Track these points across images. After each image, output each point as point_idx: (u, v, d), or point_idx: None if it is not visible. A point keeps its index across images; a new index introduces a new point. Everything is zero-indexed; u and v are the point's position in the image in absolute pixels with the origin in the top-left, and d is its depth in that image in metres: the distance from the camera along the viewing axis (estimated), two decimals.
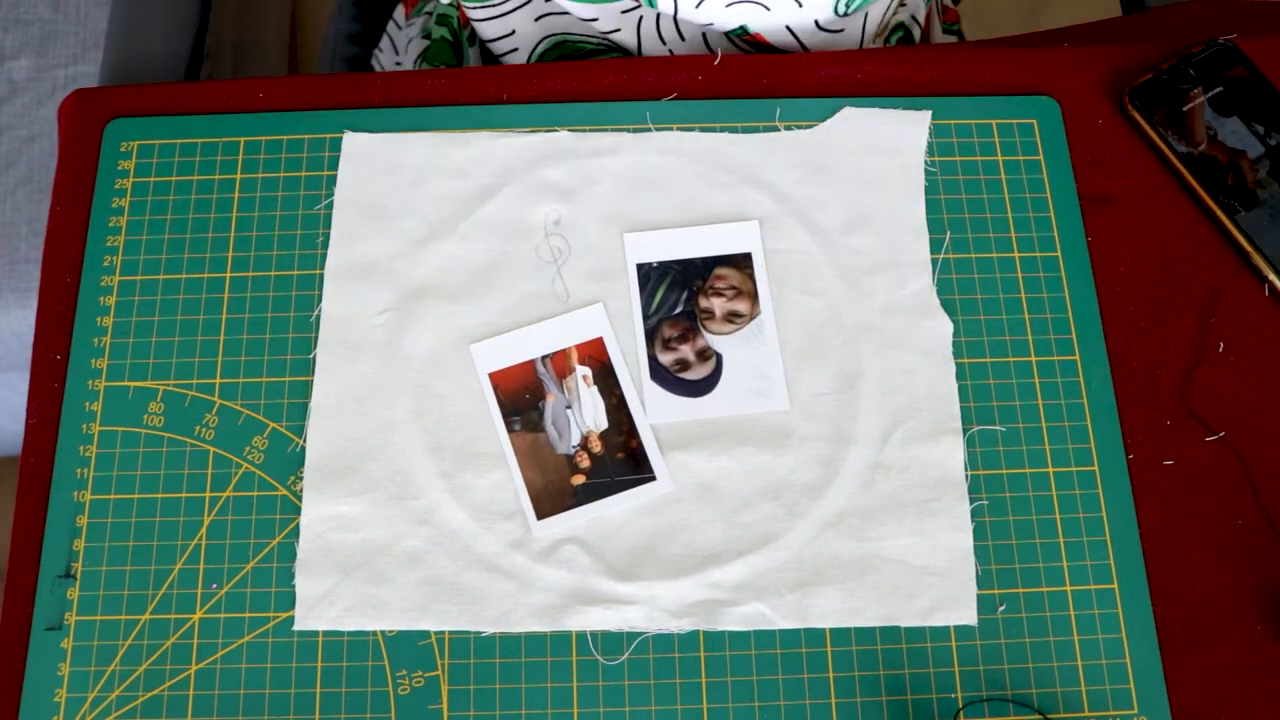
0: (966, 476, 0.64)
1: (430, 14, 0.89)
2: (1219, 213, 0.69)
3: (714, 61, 0.73)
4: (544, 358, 0.66)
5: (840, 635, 0.61)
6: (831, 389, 0.65)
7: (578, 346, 0.66)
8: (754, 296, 0.67)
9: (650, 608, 0.61)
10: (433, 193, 0.70)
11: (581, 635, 0.61)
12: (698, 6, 0.72)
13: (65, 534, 0.62)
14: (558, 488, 0.63)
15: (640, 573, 0.62)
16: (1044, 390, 0.66)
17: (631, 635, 0.61)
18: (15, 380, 1.23)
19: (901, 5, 0.83)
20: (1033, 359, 0.66)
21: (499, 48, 0.82)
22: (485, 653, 0.61)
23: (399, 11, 0.95)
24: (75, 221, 0.69)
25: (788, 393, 0.65)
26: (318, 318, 0.67)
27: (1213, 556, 0.63)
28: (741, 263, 0.68)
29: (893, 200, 0.70)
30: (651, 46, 0.78)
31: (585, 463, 0.64)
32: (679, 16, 0.74)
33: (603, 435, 0.64)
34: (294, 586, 0.61)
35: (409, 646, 0.61)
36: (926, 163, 0.71)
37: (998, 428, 0.65)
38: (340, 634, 0.61)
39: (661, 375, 0.66)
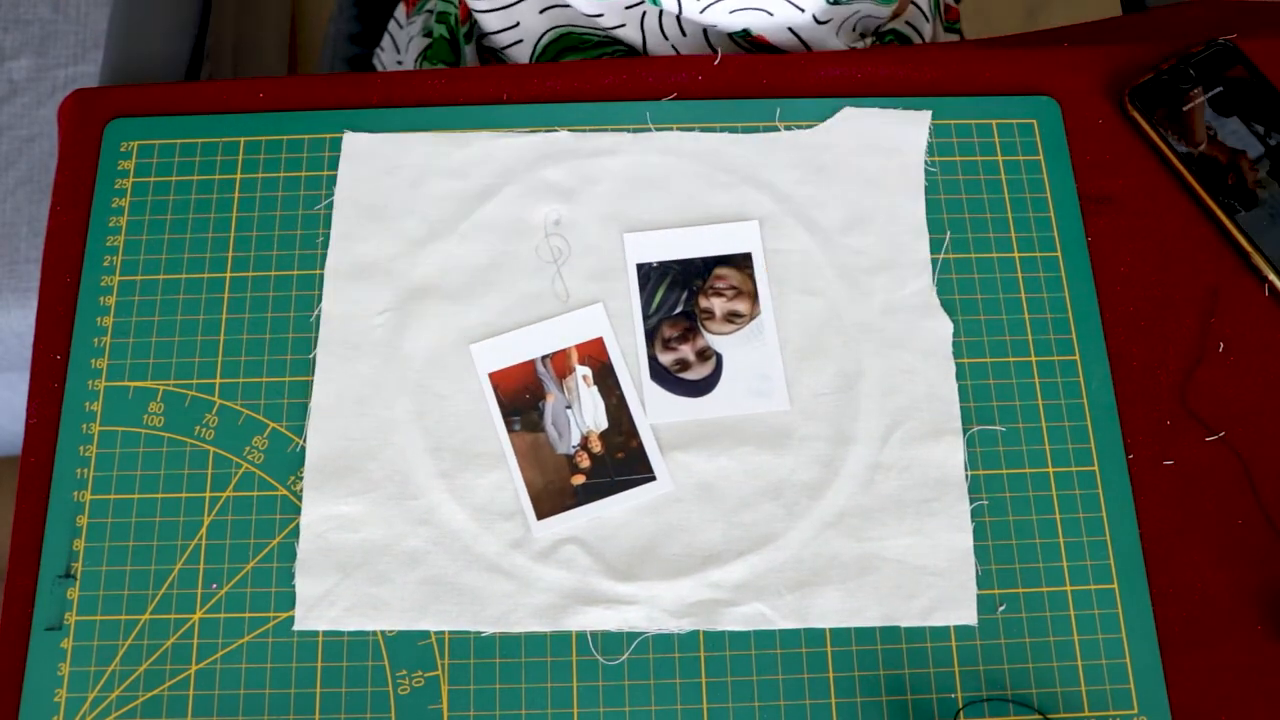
0: (966, 476, 0.64)
1: (431, 12, 0.89)
2: (1219, 213, 0.69)
3: (714, 61, 0.73)
4: (544, 358, 0.66)
5: (840, 635, 0.61)
6: (831, 389, 0.65)
7: (578, 346, 0.66)
8: (754, 296, 0.67)
9: (650, 608, 0.61)
10: (433, 193, 0.70)
11: (581, 635, 0.61)
12: (702, 12, 0.73)
13: (65, 534, 0.62)
14: (558, 488, 0.63)
15: (640, 573, 0.62)
16: (1044, 390, 0.66)
17: (631, 635, 0.61)
18: (15, 380, 1.23)
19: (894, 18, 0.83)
20: (1033, 359, 0.66)
21: (502, 40, 0.82)
22: (485, 653, 0.61)
23: (400, 10, 0.95)
24: (75, 221, 0.69)
25: (788, 393, 0.65)
26: (318, 318, 0.67)
27: (1213, 556, 0.63)
28: (741, 263, 0.68)
29: (893, 200, 0.70)
30: (655, 43, 0.78)
31: (585, 463, 0.64)
32: (683, 16, 0.74)
33: (603, 435, 0.64)
34: (294, 586, 0.61)
35: (409, 646, 0.61)
36: (926, 163, 0.71)
37: (998, 428, 0.65)
38: (340, 634, 0.61)
39: (661, 375, 0.66)
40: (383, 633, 0.61)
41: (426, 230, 0.69)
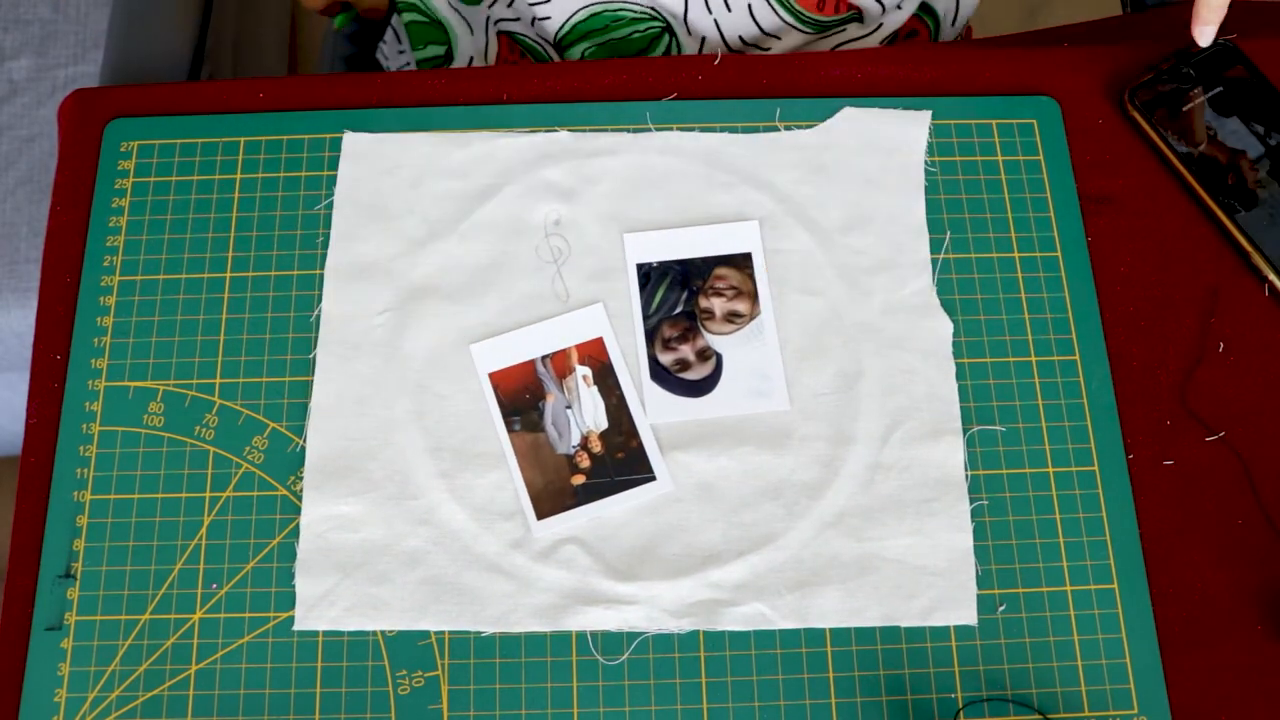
0: (966, 476, 0.64)
1: None
2: (1219, 213, 0.69)
3: (714, 61, 0.73)
4: (544, 358, 0.66)
5: (840, 635, 0.61)
6: (831, 389, 0.65)
7: (578, 346, 0.66)
8: (754, 296, 0.67)
9: (650, 608, 0.61)
10: (433, 193, 0.70)
11: (581, 635, 0.61)
12: None
13: (65, 534, 0.62)
14: (558, 488, 0.63)
15: (640, 573, 0.62)
16: (1044, 390, 0.66)
17: (631, 635, 0.61)
18: (15, 380, 1.23)
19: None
20: (1033, 359, 0.66)
21: (536, 12, 0.80)
22: (485, 653, 0.61)
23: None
24: (75, 221, 0.69)
25: (788, 393, 0.65)
26: (318, 318, 0.67)
27: (1213, 556, 0.63)
28: (741, 263, 0.68)
29: (893, 200, 0.70)
30: (698, 13, 0.78)
31: (585, 463, 0.64)
32: None
33: (603, 435, 0.64)
34: (294, 586, 0.61)
35: (409, 646, 0.61)
36: (926, 163, 0.71)
37: (998, 428, 0.65)
38: (340, 634, 0.61)
39: (661, 375, 0.66)
40: (383, 633, 0.61)
41: (426, 230, 0.69)
